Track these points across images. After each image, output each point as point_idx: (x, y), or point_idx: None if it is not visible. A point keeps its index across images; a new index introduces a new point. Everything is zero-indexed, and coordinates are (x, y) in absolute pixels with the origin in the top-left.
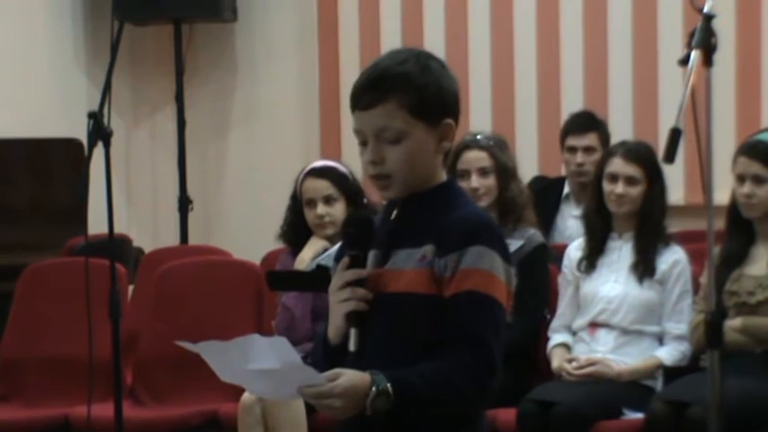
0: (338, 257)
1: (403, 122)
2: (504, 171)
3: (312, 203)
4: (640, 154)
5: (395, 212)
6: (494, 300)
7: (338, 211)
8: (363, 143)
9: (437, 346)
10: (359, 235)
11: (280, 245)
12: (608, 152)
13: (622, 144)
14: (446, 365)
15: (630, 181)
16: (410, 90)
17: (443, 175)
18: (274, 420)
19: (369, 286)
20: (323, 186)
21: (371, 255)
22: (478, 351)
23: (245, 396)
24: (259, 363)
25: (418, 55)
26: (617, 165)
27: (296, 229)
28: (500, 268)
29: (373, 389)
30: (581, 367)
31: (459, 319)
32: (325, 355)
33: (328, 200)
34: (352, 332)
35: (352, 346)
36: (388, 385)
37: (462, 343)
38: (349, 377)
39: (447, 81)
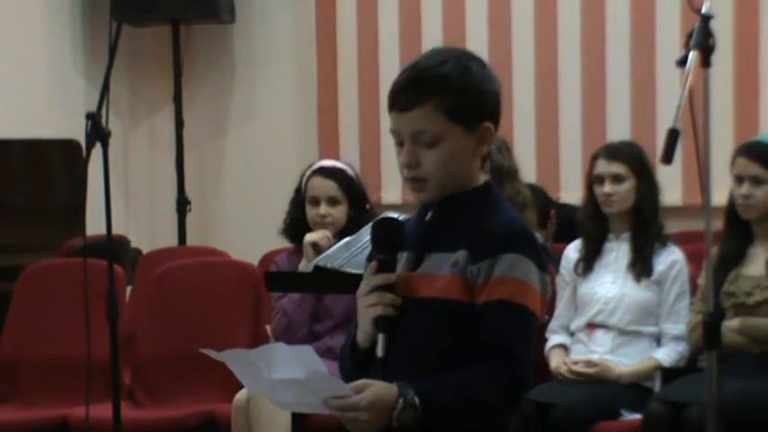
0: (370, 258)
1: (440, 126)
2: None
3: (315, 202)
4: (622, 152)
5: (429, 214)
6: (526, 309)
7: (340, 213)
8: (400, 144)
9: (466, 354)
10: (388, 238)
11: (278, 245)
12: (593, 156)
13: (605, 146)
14: (475, 377)
15: (615, 179)
16: (449, 93)
17: (481, 179)
18: (258, 420)
19: (399, 289)
20: (329, 187)
21: (403, 257)
22: (508, 362)
23: (238, 397)
24: (283, 372)
25: (459, 56)
26: (601, 166)
27: (298, 225)
28: (535, 277)
29: (400, 401)
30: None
31: (490, 329)
32: (352, 359)
33: (332, 201)
34: (380, 338)
35: (379, 352)
36: (416, 398)
37: (492, 353)
38: (375, 389)
39: (487, 83)
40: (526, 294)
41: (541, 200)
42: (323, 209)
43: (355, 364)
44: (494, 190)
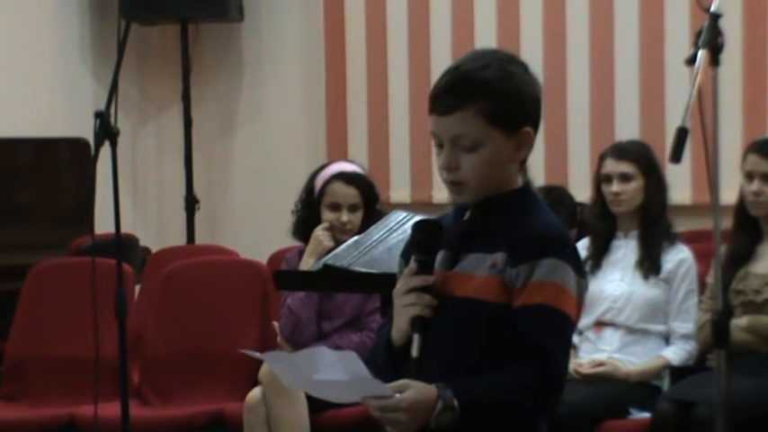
0: (404, 254)
1: (480, 131)
2: None
3: (336, 208)
4: (630, 151)
5: (467, 214)
6: (564, 314)
7: (358, 219)
8: (439, 146)
9: (501, 355)
10: (428, 240)
11: (286, 244)
12: (601, 155)
13: (613, 145)
14: (513, 379)
15: (624, 178)
16: (490, 98)
17: (519, 181)
18: (276, 420)
19: (435, 288)
20: (352, 194)
21: (440, 255)
22: (546, 366)
23: (250, 395)
24: (327, 374)
25: (501, 60)
26: (609, 165)
27: (309, 226)
28: (572, 282)
29: (440, 403)
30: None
31: (528, 333)
32: (387, 356)
33: (353, 207)
34: (415, 338)
35: (414, 352)
36: (454, 399)
37: (530, 357)
38: (415, 391)
39: (529, 87)
40: (564, 299)
41: (568, 200)
42: (345, 216)
43: (390, 362)
44: (532, 193)
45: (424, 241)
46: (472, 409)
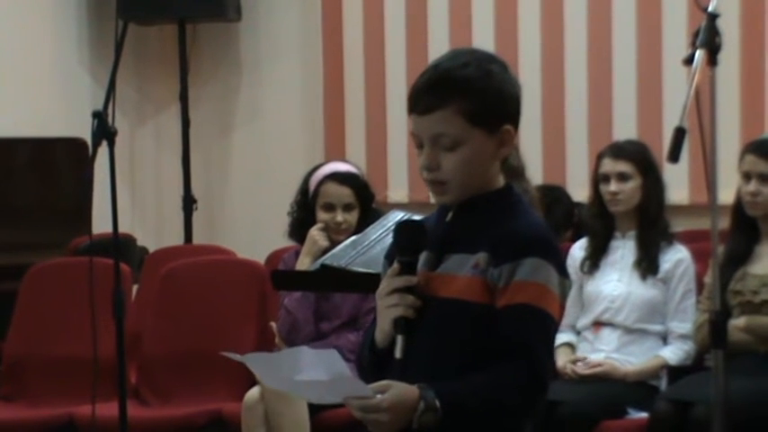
0: (389, 255)
1: (460, 129)
2: None
3: (331, 208)
4: (627, 150)
5: (449, 215)
6: (547, 314)
7: (354, 218)
8: (420, 146)
9: (485, 355)
10: (410, 241)
11: (284, 244)
12: (599, 155)
13: (611, 145)
14: (495, 379)
15: (621, 177)
16: (470, 97)
17: (501, 181)
18: (277, 420)
19: (418, 289)
20: (346, 194)
21: (422, 256)
22: (529, 365)
23: (248, 395)
24: (307, 374)
25: (480, 58)
26: (606, 164)
27: (305, 227)
28: (555, 281)
29: (421, 403)
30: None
31: (511, 333)
32: (371, 357)
33: (347, 207)
34: (399, 339)
35: (398, 353)
36: (436, 400)
37: (513, 357)
38: (397, 391)
39: (508, 86)
40: (547, 299)
41: (566, 200)
42: (340, 216)
43: (374, 363)
44: (515, 192)
45: (406, 242)
46: (454, 409)
